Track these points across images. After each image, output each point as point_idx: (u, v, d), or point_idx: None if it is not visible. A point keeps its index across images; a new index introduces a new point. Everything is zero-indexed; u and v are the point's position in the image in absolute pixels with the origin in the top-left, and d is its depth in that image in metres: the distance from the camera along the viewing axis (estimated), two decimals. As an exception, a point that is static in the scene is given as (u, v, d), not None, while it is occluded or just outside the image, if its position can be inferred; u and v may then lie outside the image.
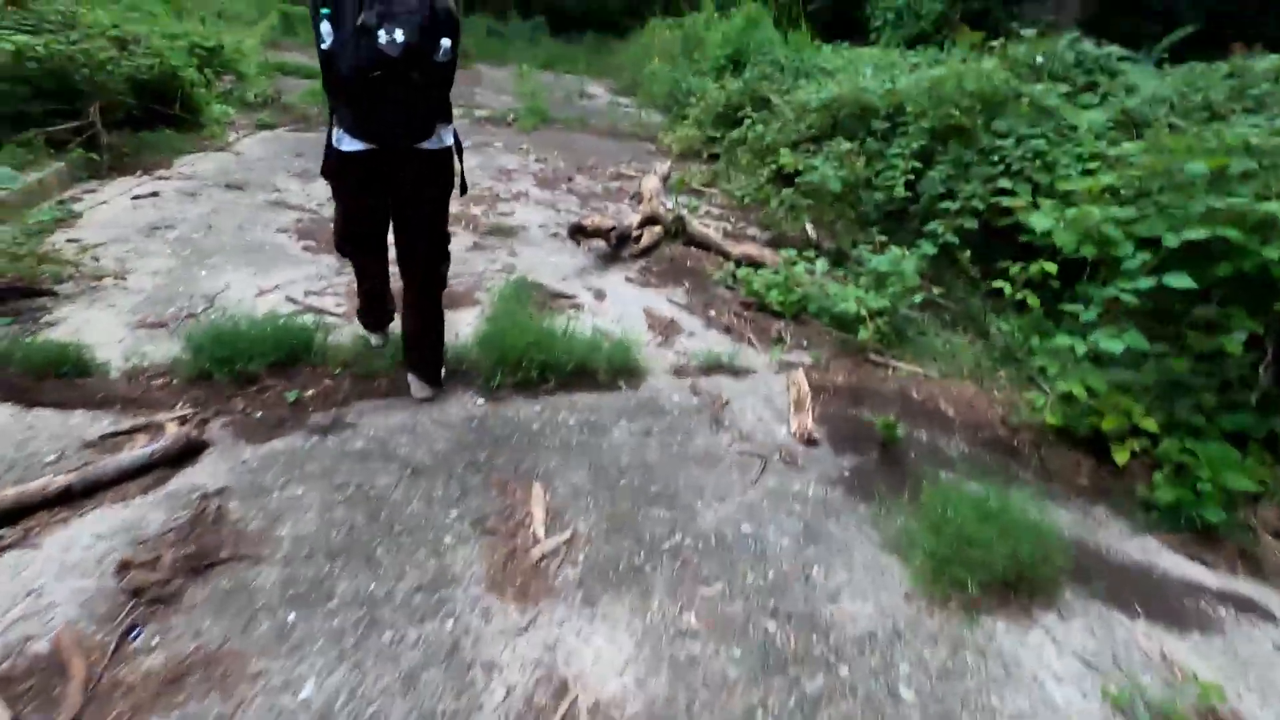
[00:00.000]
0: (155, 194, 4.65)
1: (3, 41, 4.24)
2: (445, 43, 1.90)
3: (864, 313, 3.09)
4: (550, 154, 7.12)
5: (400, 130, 1.98)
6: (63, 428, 2.15)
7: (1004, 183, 3.53)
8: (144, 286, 3.24)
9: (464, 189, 2.35)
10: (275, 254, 3.80)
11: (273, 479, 1.99)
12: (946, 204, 3.71)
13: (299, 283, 3.43)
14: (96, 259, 3.34)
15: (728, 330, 3.31)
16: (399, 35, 1.77)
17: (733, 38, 8.75)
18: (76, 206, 4.25)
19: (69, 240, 3.71)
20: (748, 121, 6.64)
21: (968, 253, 3.52)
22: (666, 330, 3.25)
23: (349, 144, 2.01)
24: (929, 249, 3.39)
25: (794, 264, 3.59)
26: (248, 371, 2.39)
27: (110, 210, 4.28)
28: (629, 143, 8.34)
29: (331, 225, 2.50)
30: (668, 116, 9.55)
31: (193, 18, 10.34)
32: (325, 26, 1.84)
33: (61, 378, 2.36)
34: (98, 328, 2.81)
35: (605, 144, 8.06)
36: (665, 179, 5.90)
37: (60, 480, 1.80)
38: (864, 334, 3.05)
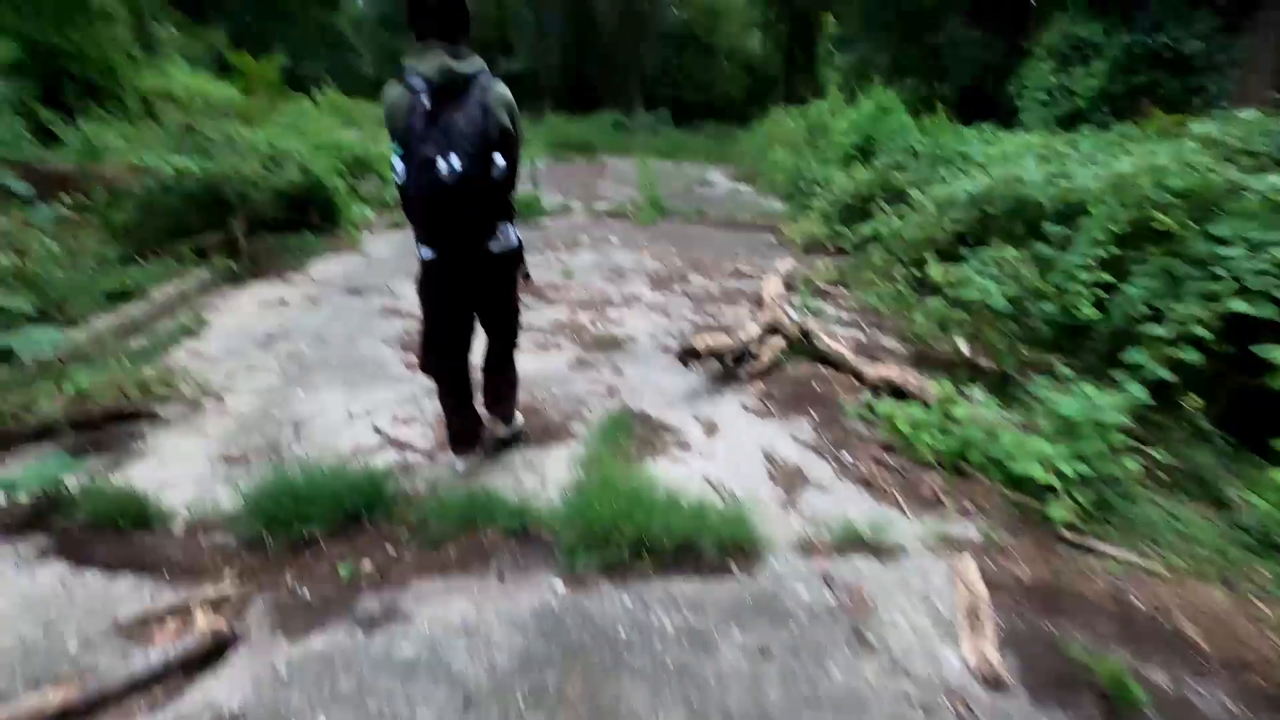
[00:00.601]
0: (282, 300, 4.78)
1: (166, 165, 4.59)
2: (500, 160, 2.07)
3: (1054, 480, 2.38)
4: (666, 250, 6.88)
5: (464, 238, 2.18)
6: (103, 599, 1.93)
7: (1237, 304, 2.74)
8: (241, 409, 3.15)
9: (527, 278, 2.56)
10: (375, 370, 3.66)
11: (299, 700, 1.62)
12: (1152, 328, 2.94)
13: (390, 405, 3.23)
14: (201, 380, 3.31)
15: (867, 483, 2.70)
16: (455, 164, 1.97)
17: (861, 124, 8.32)
18: (209, 314, 4.41)
19: (190, 352, 3.77)
20: (880, 215, 6.09)
21: (1191, 395, 2.73)
22: (790, 482, 2.69)
23: (426, 252, 2.24)
24: (1137, 390, 2.63)
25: (951, 402, 2.93)
26: (304, 535, 2.10)
27: (237, 318, 4.40)
28: (748, 234, 8.00)
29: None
30: (789, 205, 9.18)
31: (357, 125, 11.43)
32: (398, 164, 2.03)
33: (122, 531, 2.18)
34: (180, 461, 2.69)
35: (723, 236, 7.76)
36: (788, 279, 5.43)
37: (58, 697, 1.51)
38: (1057, 512, 2.33)
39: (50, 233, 3.80)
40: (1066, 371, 3.04)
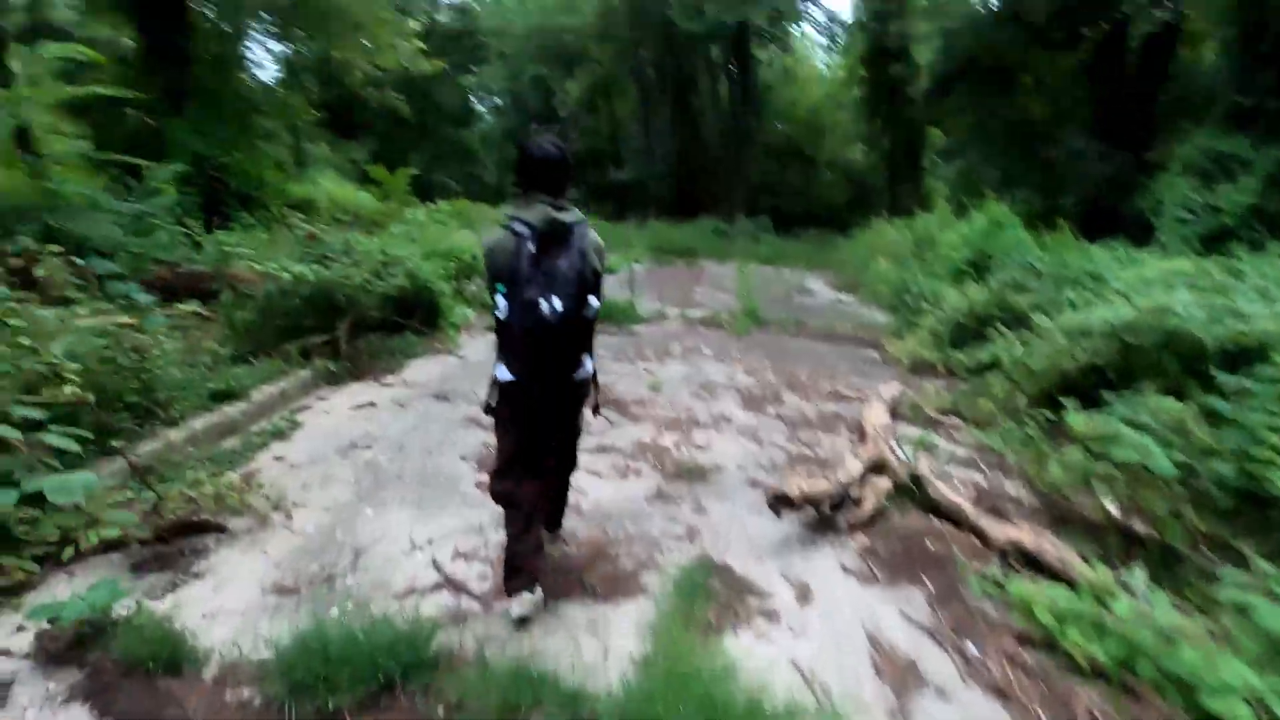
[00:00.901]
0: (372, 404, 4.83)
1: (284, 271, 4.88)
2: (594, 301, 2.28)
3: (1268, 726, 1.80)
4: (761, 363, 6.60)
5: (554, 369, 2.33)
6: (111, 762, 1.75)
7: None
8: (307, 528, 3.05)
9: (596, 409, 2.68)
10: (448, 489, 3.52)
11: None
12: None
13: (455, 535, 3.03)
14: (276, 491, 3.27)
15: (1000, 693, 2.17)
16: (558, 305, 2.13)
17: (973, 239, 7.91)
18: (303, 416, 4.49)
19: (274, 458, 3.79)
20: (999, 339, 5.58)
21: None
22: (902, 681, 2.21)
23: (504, 374, 2.34)
24: (1374, 605, 2.02)
25: (1109, 594, 2.38)
26: (329, 708, 1.86)
27: (328, 421, 4.45)
28: (849, 348, 7.60)
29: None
30: (894, 318, 8.74)
31: (474, 228, 12.18)
32: (501, 301, 2.19)
33: (151, 675, 2.02)
34: (235, 586, 2.57)
35: (823, 350, 7.40)
36: (894, 405, 4.98)
37: None
38: (1279, 776, 1.75)
39: (166, 334, 4.01)
40: (1265, 565, 2.42)
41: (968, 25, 17.71)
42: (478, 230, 19.00)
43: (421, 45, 12.82)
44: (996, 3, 17.02)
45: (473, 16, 36.07)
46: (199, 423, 3.86)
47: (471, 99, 39.85)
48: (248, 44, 11.98)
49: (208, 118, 8.13)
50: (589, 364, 2.48)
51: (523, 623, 2.38)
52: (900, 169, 25.51)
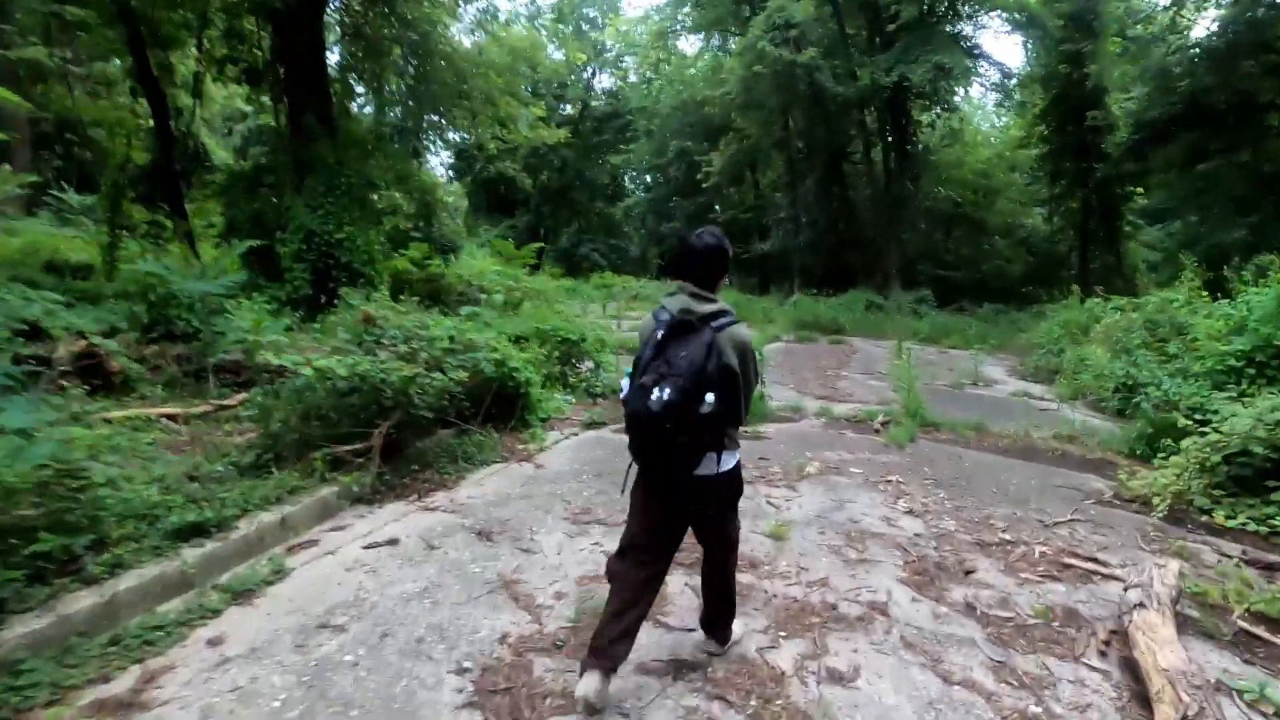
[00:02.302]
0: (393, 542, 3.68)
1: (304, 367, 3.97)
2: (709, 397, 2.11)
3: None
4: (930, 496, 4.75)
5: (659, 464, 2.26)
6: None
7: None
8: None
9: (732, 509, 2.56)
10: (408, 740, 2.18)
11: None
12: None
13: None
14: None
15: None
16: (665, 394, 2.08)
17: (1259, 327, 5.55)
18: (298, 558, 3.42)
19: (210, 642, 2.67)
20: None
21: None
22: None
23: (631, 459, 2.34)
24: None
25: None
26: None
27: (323, 569, 3.33)
28: (1058, 472, 5.48)
29: None
30: (1122, 430, 6.42)
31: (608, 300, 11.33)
32: (625, 382, 2.28)
33: None
34: None
35: (1020, 474, 5.36)
36: (1174, 596, 3.00)
37: None
38: None
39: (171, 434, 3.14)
40: None
41: (1184, 61, 14.83)
42: (606, 304, 18.39)
43: (541, 114, 12.44)
44: (1227, 32, 14.02)
45: (623, 98, 37.53)
46: (134, 577, 2.86)
47: (623, 176, 41.15)
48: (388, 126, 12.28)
49: (324, 193, 7.97)
50: (724, 460, 2.31)
51: (585, 705, 2.26)
52: (1093, 235, 21.96)
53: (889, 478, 5.13)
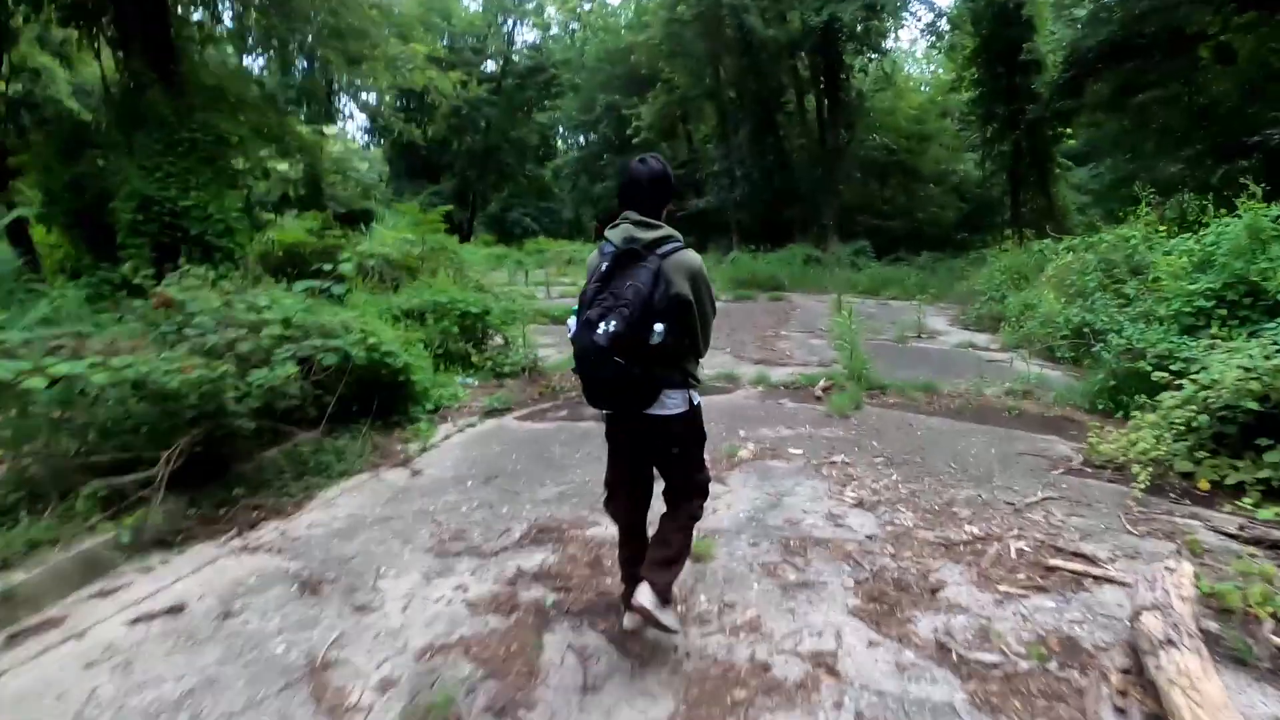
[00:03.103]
0: (176, 610, 2.68)
1: (31, 377, 2.85)
2: (658, 327, 2.01)
3: None
4: (882, 480, 4.01)
5: (616, 402, 2.18)
6: None
7: None
8: None
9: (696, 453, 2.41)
10: None
11: None
12: None
13: None
14: None
15: None
16: (611, 326, 1.98)
17: (1226, 261, 4.98)
18: (10, 658, 2.40)
19: None
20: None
21: None
22: None
23: (591, 408, 2.30)
24: None
25: None
26: None
27: (39, 674, 2.33)
28: (1019, 438, 4.84)
29: None
30: (1084, 383, 5.86)
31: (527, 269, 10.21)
32: (572, 320, 2.15)
33: None
34: None
35: (979, 441, 4.70)
36: (1195, 613, 2.31)
37: None
38: None
39: None
40: None
41: (1116, -5, 14.38)
42: (530, 271, 17.20)
43: (426, 53, 10.92)
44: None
45: (546, 52, 35.53)
46: None
47: (554, 136, 39.24)
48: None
49: (161, 151, 6.60)
50: (682, 399, 2.20)
51: (642, 612, 2.15)
52: (1025, 179, 21.84)
53: (833, 458, 4.38)
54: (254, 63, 15.63)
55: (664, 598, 2.23)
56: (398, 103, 38.74)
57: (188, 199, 6.66)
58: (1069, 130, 21.29)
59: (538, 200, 37.48)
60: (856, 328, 9.03)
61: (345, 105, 41.54)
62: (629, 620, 2.27)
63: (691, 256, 2.13)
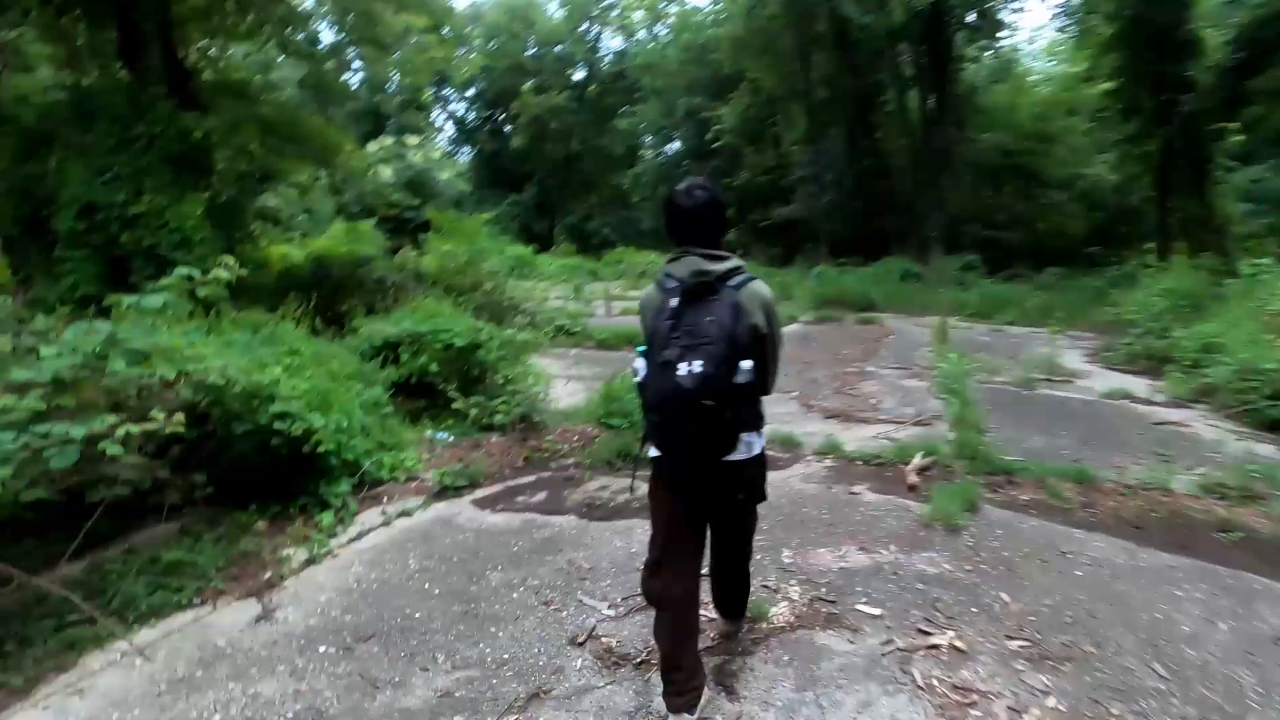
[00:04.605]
0: None
1: None
2: (745, 365, 1.90)
3: None
4: (1033, 704, 2.18)
5: (698, 452, 1.96)
6: None
7: None
8: None
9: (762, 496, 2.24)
10: None
11: None
12: None
13: None
14: None
15: None
16: (697, 367, 1.84)
17: None
18: None
19: None
20: None
21: None
22: None
23: (655, 451, 2.05)
24: None
25: None
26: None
27: None
28: (1258, 589, 2.83)
29: None
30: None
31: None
32: (640, 362, 1.98)
33: None
34: None
35: (1194, 603, 2.74)
36: None
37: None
38: None
39: None
40: None
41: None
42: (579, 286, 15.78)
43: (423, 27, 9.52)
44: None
45: (630, 57, 34.47)
46: None
47: (640, 144, 38.08)
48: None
49: (112, 149, 5.63)
50: (755, 443, 2.07)
51: None
52: (1175, 183, 18.44)
53: (934, 633, 2.57)
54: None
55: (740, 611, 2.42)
56: (480, 113, 39.01)
57: (140, 205, 5.63)
58: (1233, 125, 17.84)
59: (621, 210, 36.39)
60: (966, 364, 7.02)
61: (436, 118, 42.44)
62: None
63: (763, 288, 2.03)
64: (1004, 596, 2.85)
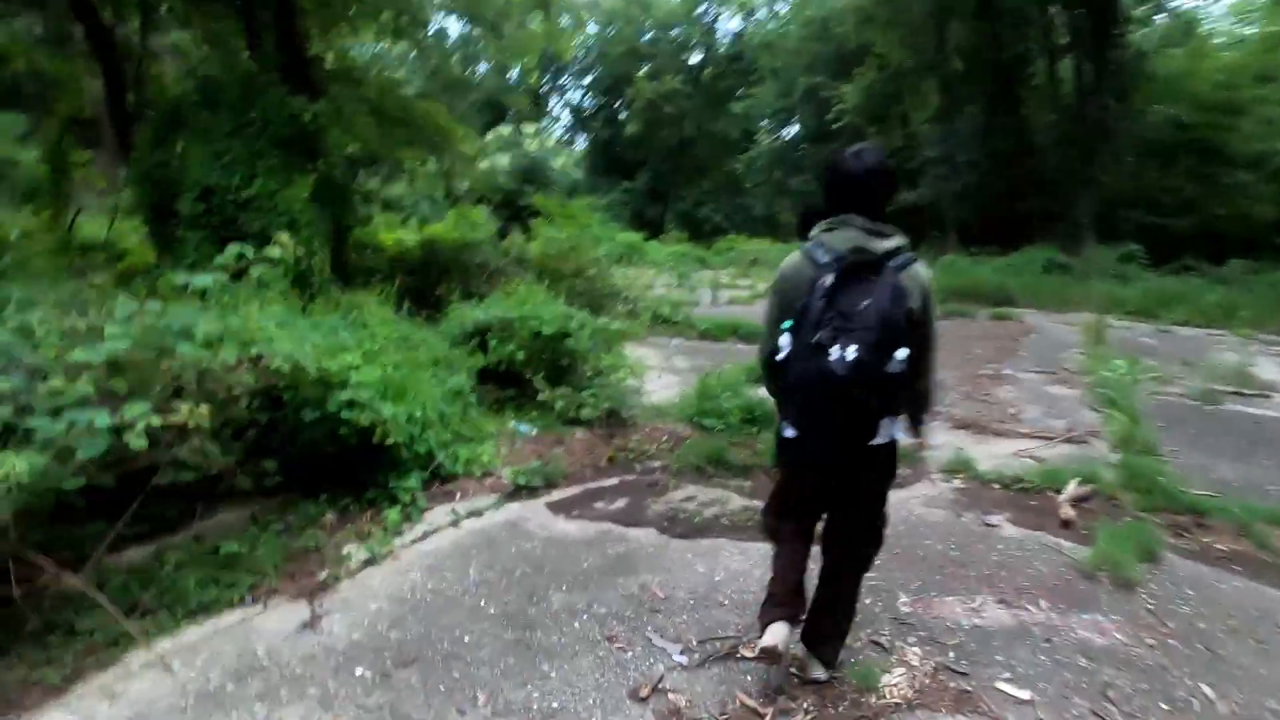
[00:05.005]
0: None
1: None
2: (900, 354, 1.74)
3: None
4: None
5: (844, 434, 1.85)
6: None
7: None
8: None
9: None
10: None
11: None
12: None
13: None
14: None
15: None
16: (851, 353, 1.72)
17: None
18: None
19: None
20: None
21: None
22: None
23: (791, 432, 1.94)
24: None
25: None
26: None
27: None
28: None
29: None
30: None
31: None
32: (786, 340, 1.85)
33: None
34: None
35: None
36: None
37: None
38: None
39: None
40: None
41: None
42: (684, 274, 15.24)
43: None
44: None
45: (748, 37, 33.33)
46: None
47: (754, 127, 36.87)
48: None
49: (230, 133, 5.81)
50: (896, 428, 1.92)
51: (771, 655, 2.00)
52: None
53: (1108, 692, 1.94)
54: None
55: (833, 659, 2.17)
56: (596, 100, 39.19)
57: (250, 188, 5.77)
58: None
59: (733, 196, 35.44)
60: (1128, 368, 5.98)
61: (554, 107, 43.20)
62: (769, 637, 2.00)
63: (924, 271, 1.87)
64: (1205, 690, 2.15)
